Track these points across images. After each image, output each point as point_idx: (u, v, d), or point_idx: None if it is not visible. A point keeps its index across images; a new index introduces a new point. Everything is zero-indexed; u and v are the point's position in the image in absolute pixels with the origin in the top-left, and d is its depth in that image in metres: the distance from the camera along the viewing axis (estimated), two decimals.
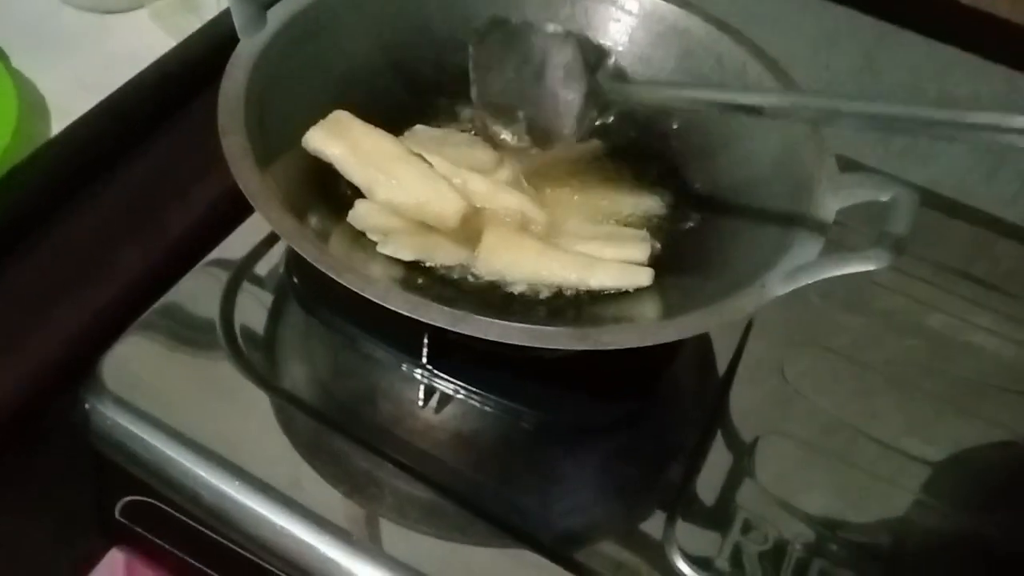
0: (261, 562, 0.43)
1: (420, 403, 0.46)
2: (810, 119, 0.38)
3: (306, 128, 0.45)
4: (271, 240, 0.51)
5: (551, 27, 0.42)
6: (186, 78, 0.54)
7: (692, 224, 0.48)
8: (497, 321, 0.37)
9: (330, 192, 0.46)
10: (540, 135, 0.42)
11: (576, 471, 0.46)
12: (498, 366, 0.46)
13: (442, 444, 0.45)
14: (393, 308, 0.36)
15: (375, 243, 0.43)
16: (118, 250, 0.49)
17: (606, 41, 0.52)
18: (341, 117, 0.45)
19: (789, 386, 0.50)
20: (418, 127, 0.49)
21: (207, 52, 0.54)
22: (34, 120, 0.55)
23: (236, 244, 0.50)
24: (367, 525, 0.42)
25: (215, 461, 0.42)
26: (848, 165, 0.63)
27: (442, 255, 0.43)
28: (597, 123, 0.43)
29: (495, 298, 0.44)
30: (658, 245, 0.47)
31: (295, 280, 0.49)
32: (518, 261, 0.44)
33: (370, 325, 0.47)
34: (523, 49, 0.42)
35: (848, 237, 0.44)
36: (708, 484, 0.45)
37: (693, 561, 0.42)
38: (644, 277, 0.45)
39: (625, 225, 0.48)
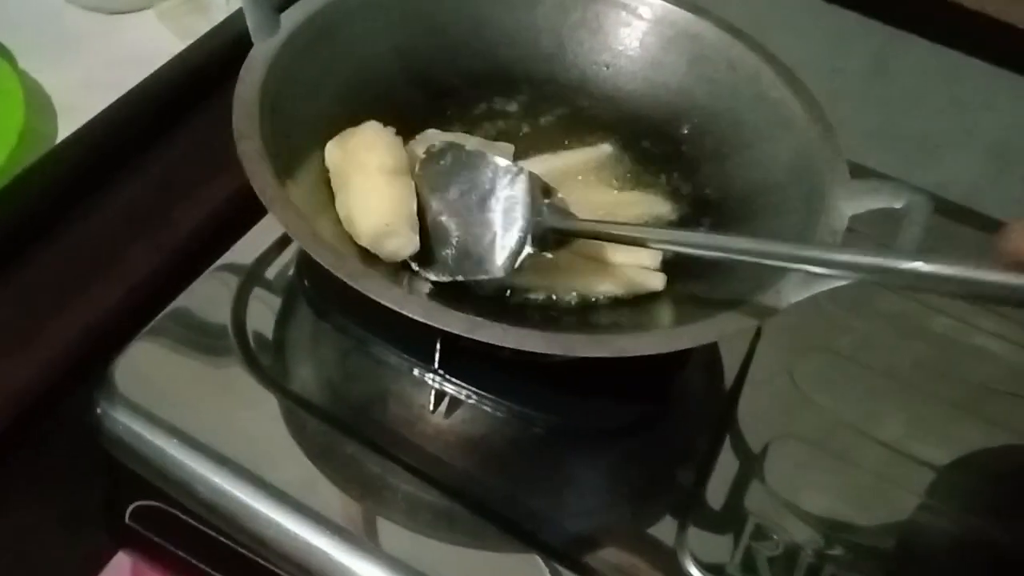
0: (271, 566, 0.43)
1: (431, 407, 0.46)
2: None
3: (319, 130, 0.45)
4: (283, 243, 0.50)
5: (504, 161, 0.41)
6: (196, 80, 0.54)
7: (704, 229, 0.48)
8: (514, 328, 0.37)
9: None
10: (468, 263, 0.41)
11: (587, 476, 0.46)
12: (508, 371, 0.46)
13: (452, 448, 0.45)
14: (410, 315, 0.36)
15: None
16: (129, 251, 0.49)
17: (617, 46, 0.53)
18: (365, 128, 0.45)
19: (798, 390, 0.50)
20: (429, 131, 0.49)
21: (218, 54, 0.54)
22: (41, 120, 0.55)
23: (248, 247, 0.50)
24: (377, 529, 0.42)
25: (227, 465, 0.42)
26: (856, 170, 0.63)
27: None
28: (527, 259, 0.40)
29: (504, 304, 0.44)
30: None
31: (306, 283, 0.49)
32: (533, 267, 0.44)
33: (381, 329, 0.47)
34: (472, 176, 0.42)
35: (859, 243, 0.44)
36: (719, 489, 0.45)
37: (705, 567, 0.42)
38: (657, 282, 0.45)
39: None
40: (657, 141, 0.52)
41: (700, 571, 0.42)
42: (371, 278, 0.37)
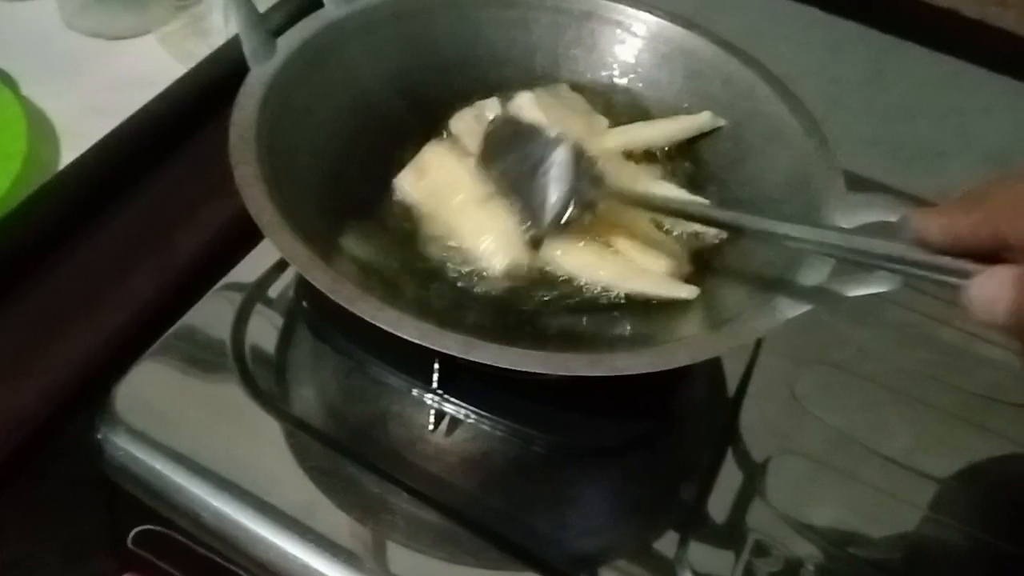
0: None
1: (431, 427, 0.46)
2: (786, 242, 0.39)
3: (315, 152, 0.46)
4: (282, 265, 0.51)
5: (553, 132, 0.46)
6: (197, 104, 0.54)
7: (715, 242, 0.48)
8: (510, 348, 0.37)
9: (342, 214, 0.46)
10: (526, 219, 0.46)
11: (588, 493, 0.46)
12: (509, 389, 0.46)
13: (453, 468, 0.45)
14: (405, 336, 0.37)
15: (389, 262, 0.45)
16: (131, 275, 0.49)
17: (613, 63, 0.53)
18: (427, 158, 0.48)
19: (799, 404, 0.50)
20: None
21: (217, 78, 0.55)
22: (44, 146, 0.55)
23: (247, 270, 0.50)
24: (379, 551, 0.42)
25: (229, 490, 0.42)
26: (855, 179, 0.63)
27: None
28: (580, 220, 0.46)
29: (510, 311, 0.44)
30: (688, 267, 0.47)
31: (305, 305, 0.49)
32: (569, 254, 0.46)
33: (380, 350, 0.47)
34: (526, 144, 0.46)
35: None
36: (720, 504, 0.45)
37: None
38: (689, 290, 0.45)
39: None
40: (654, 158, 0.52)
41: None
42: (366, 301, 0.37)
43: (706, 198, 0.49)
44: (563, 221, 0.45)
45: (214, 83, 0.54)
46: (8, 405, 0.43)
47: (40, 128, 0.56)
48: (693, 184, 0.50)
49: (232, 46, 0.47)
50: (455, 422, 0.46)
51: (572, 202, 0.45)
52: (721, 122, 0.51)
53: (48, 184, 0.50)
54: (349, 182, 0.47)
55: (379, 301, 0.37)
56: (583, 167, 0.45)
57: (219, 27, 0.60)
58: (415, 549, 0.42)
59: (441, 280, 0.45)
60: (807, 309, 0.39)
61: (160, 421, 0.44)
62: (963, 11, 0.61)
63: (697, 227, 0.48)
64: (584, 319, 0.45)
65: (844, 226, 0.42)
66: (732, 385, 0.50)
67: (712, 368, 0.51)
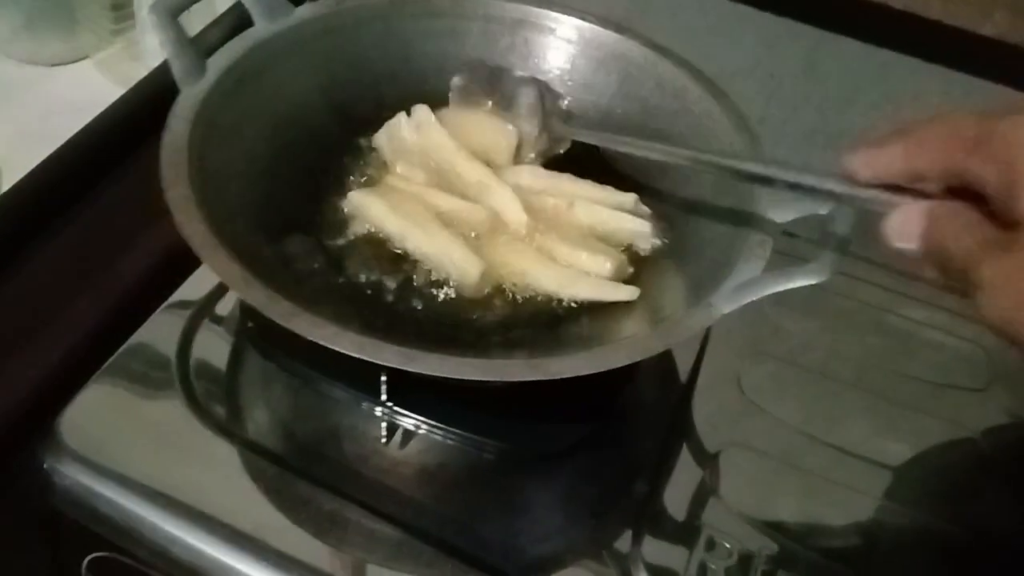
0: None
1: (382, 441, 0.46)
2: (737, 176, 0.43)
3: (249, 170, 0.46)
4: (225, 286, 0.50)
5: (519, 72, 0.52)
6: (132, 127, 0.54)
7: (646, 248, 0.49)
8: (449, 357, 0.37)
9: (278, 230, 0.46)
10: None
11: (542, 497, 0.46)
12: (458, 398, 0.46)
13: (408, 480, 0.45)
14: (343, 351, 0.37)
15: (328, 278, 0.45)
16: (73, 302, 0.49)
17: (548, 67, 0.53)
18: (383, 187, 0.49)
19: (747, 397, 0.50)
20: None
21: (153, 99, 0.54)
22: None
23: (191, 289, 0.50)
24: (337, 567, 0.42)
25: (180, 513, 0.42)
26: None
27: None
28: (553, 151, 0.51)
29: (463, 319, 0.45)
30: (630, 269, 0.48)
31: (250, 324, 0.49)
32: (510, 262, 0.47)
33: (327, 366, 0.47)
34: (496, 86, 0.51)
35: (799, 247, 0.45)
36: (672, 500, 0.46)
37: None
38: (630, 292, 0.46)
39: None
40: (593, 161, 0.52)
41: None
42: (303, 317, 0.37)
43: (644, 195, 0.50)
44: (540, 155, 0.50)
45: (149, 105, 0.53)
46: None
47: None
48: (625, 185, 0.50)
49: (166, 68, 0.47)
50: (408, 434, 0.46)
51: (545, 137, 0.50)
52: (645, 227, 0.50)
53: None
54: (286, 199, 0.47)
55: (316, 317, 0.37)
56: (549, 105, 0.50)
57: (155, 50, 0.59)
58: (372, 563, 0.42)
59: (381, 295, 0.46)
60: (741, 304, 0.40)
61: (108, 447, 0.44)
62: (891, 3, 0.62)
63: (633, 239, 0.48)
64: (532, 327, 0.45)
65: (778, 221, 0.43)
66: (681, 381, 0.51)
67: (662, 365, 0.52)
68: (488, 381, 0.39)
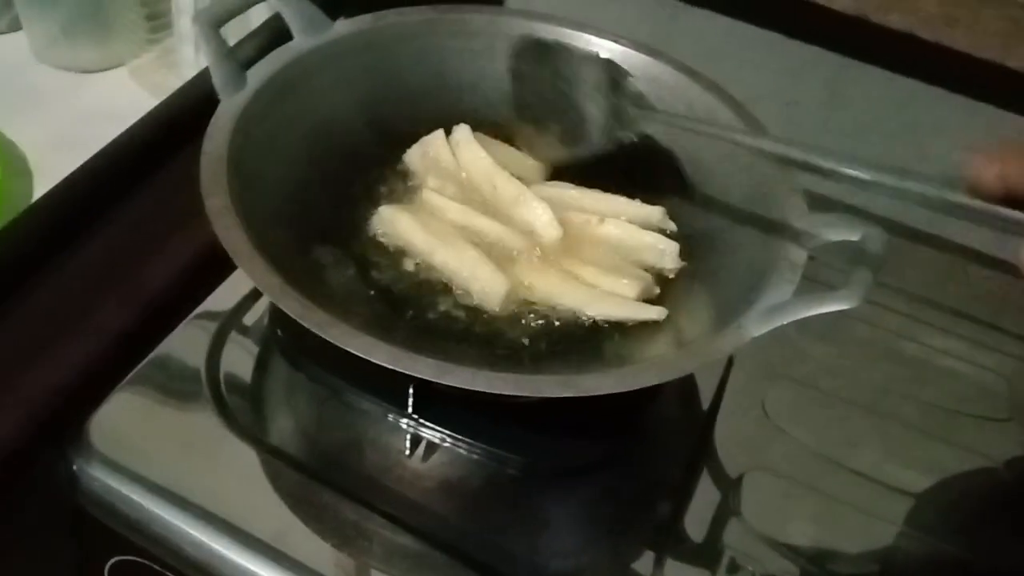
0: None
1: (407, 452, 0.46)
2: (794, 164, 0.42)
3: (285, 181, 0.46)
4: (255, 294, 0.51)
5: (583, 49, 0.47)
6: (166, 136, 0.55)
7: (672, 267, 0.49)
8: (481, 371, 0.38)
9: (313, 241, 0.47)
10: (567, 142, 0.47)
11: (565, 514, 0.46)
12: (484, 412, 0.47)
13: (430, 493, 0.45)
14: (378, 362, 0.37)
15: (365, 286, 0.46)
16: (104, 306, 0.49)
17: None
18: (414, 205, 0.49)
19: (770, 420, 0.51)
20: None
21: (187, 110, 0.55)
22: (16, 179, 0.55)
23: (222, 299, 0.51)
24: None
25: (205, 519, 0.42)
26: (816, 199, 0.65)
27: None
28: (620, 141, 0.47)
29: (493, 334, 0.45)
30: (656, 290, 0.48)
31: (279, 333, 0.50)
32: (536, 281, 0.47)
33: (354, 376, 0.48)
34: (555, 66, 0.48)
35: (822, 272, 0.45)
36: (695, 522, 0.46)
37: None
38: (657, 312, 0.46)
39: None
40: (624, 181, 0.53)
41: None
42: (339, 327, 0.38)
43: (672, 219, 0.50)
44: (606, 140, 0.46)
45: (183, 115, 0.54)
46: None
47: (12, 162, 0.56)
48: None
49: (202, 78, 0.48)
50: (431, 447, 0.47)
51: (613, 121, 0.45)
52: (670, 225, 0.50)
53: (20, 217, 0.50)
54: (319, 210, 0.48)
55: (351, 327, 0.38)
56: (620, 84, 0.45)
57: (190, 59, 0.61)
58: (392, 575, 0.42)
59: (410, 308, 0.46)
60: (771, 328, 0.40)
61: (135, 451, 0.44)
62: (917, 33, 0.62)
63: (659, 259, 0.49)
64: (562, 344, 0.46)
65: (808, 246, 0.43)
66: (705, 402, 0.51)
67: (685, 385, 0.52)
68: (518, 396, 0.39)
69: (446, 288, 0.47)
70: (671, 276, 0.49)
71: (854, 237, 0.42)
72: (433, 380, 0.37)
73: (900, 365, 0.55)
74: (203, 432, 0.45)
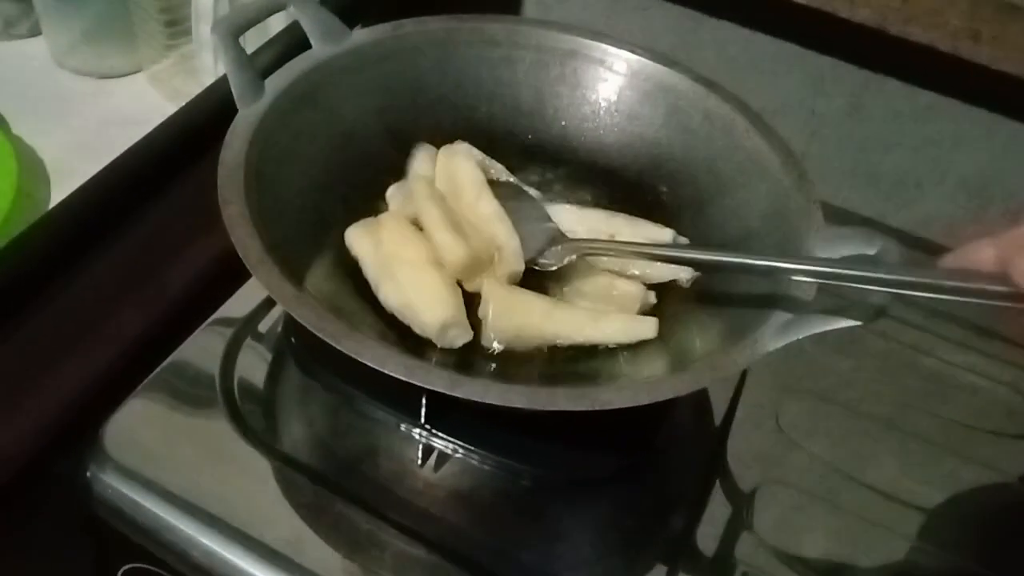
0: None
1: (419, 463, 0.46)
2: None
3: (302, 190, 0.46)
4: (270, 302, 0.51)
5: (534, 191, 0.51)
6: (187, 142, 0.55)
7: (687, 277, 0.49)
8: (495, 384, 0.38)
9: (330, 250, 0.47)
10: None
11: (577, 526, 0.46)
12: (496, 423, 0.47)
13: (442, 503, 0.45)
14: (392, 374, 0.37)
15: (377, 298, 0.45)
16: (121, 312, 0.49)
17: (596, 100, 0.54)
18: (380, 219, 0.48)
19: (784, 434, 0.50)
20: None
21: (207, 116, 0.55)
22: (34, 184, 0.56)
23: (236, 306, 0.51)
24: None
25: (218, 527, 0.43)
26: (835, 211, 0.64)
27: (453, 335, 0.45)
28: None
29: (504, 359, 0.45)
30: (653, 299, 0.48)
31: (293, 341, 0.50)
32: (527, 323, 0.46)
33: (368, 386, 0.48)
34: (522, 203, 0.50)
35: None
36: (708, 535, 0.46)
37: None
38: (649, 329, 0.46)
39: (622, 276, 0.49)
40: (638, 191, 0.53)
41: None
42: (353, 338, 0.38)
43: (684, 233, 0.50)
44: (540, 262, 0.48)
45: (202, 122, 0.55)
46: None
47: (30, 166, 0.57)
48: (672, 219, 0.51)
49: (220, 85, 0.48)
50: (443, 457, 0.46)
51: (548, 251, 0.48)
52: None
53: (38, 222, 0.50)
54: (336, 219, 0.48)
55: (364, 338, 0.38)
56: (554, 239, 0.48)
57: (208, 66, 0.61)
58: None
59: None
60: (787, 342, 0.40)
61: (149, 459, 0.45)
62: (938, 46, 0.62)
63: (673, 273, 0.49)
64: (574, 358, 0.46)
65: (823, 258, 0.43)
66: (719, 415, 0.51)
67: (699, 398, 0.52)
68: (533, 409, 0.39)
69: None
70: (686, 287, 0.48)
71: (871, 251, 0.41)
72: (446, 393, 0.37)
73: (917, 379, 0.55)
74: (216, 439, 0.46)
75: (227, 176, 0.42)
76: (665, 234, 0.49)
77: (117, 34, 0.63)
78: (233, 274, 0.51)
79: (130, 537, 0.44)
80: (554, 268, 0.47)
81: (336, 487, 0.45)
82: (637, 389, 0.38)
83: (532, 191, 0.52)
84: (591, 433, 0.47)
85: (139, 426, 0.46)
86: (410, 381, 0.37)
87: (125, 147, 0.53)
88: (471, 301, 0.47)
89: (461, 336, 0.45)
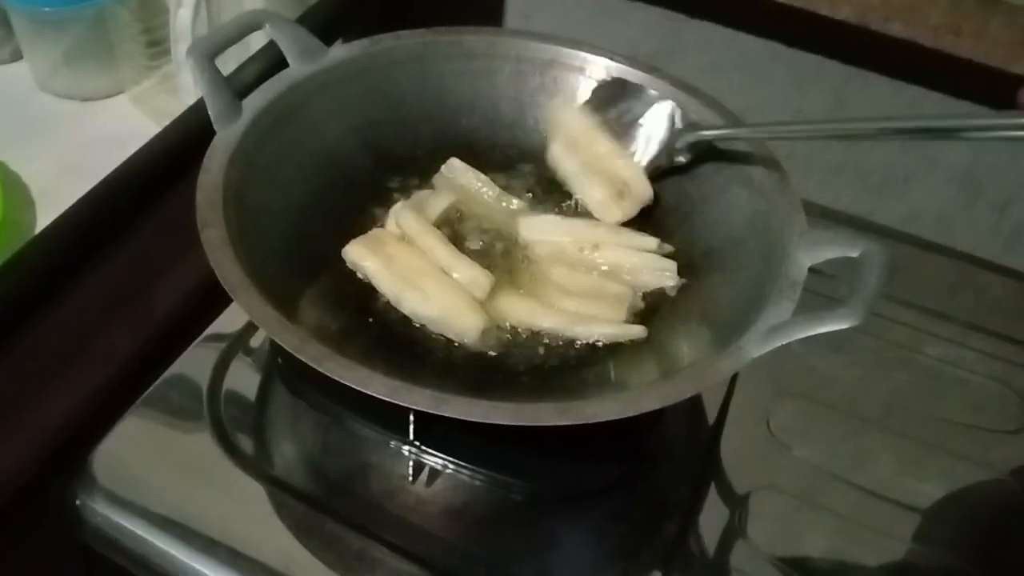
0: None
1: (409, 479, 0.46)
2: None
3: (283, 210, 0.46)
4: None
5: (653, 92, 0.52)
6: (169, 162, 0.55)
7: (673, 284, 0.49)
8: (480, 401, 0.38)
9: (311, 271, 0.47)
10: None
11: (570, 538, 0.46)
12: (485, 438, 0.47)
13: (434, 520, 0.45)
14: (375, 395, 0.37)
15: (364, 315, 0.46)
16: (108, 335, 0.49)
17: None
18: (380, 234, 0.48)
19: (775, 439, 0.50)
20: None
21: (190, 136, 0.55)
22: (19, 209, 0.56)
23: (223, 327, 0.51)
24: None
25: (210, 551, 0.42)
26: (823, 211, 0.64)
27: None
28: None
29: (484, 366, 0.45)
30: (641, 303, 0.48)
31: (280, 362, 0.50)
32: (524, 312, 0.47)
33: (355, 404, 0.47)
34: (629, 101, 0.52)
35: (826, 285, 0.45)
36: (701, 543, 0.45)
37: None
38: (638, 331, 0.46)
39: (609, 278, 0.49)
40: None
41: None
42: (335, 360, 0.38)
43: (670, 242, 0.50)
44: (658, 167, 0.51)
45: (186, 141, 0.54)
46: None
47: (15, 191, 0.57)
48: (657, 227, 0.51)
49: (202, 105, 0.48)
50: (434, 473, 0.46)
51: (664, 155, 0.51)
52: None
53: (25, 248, 0.50)
54: (317, 238, 0.48)
55: (347, 360, 0.38)
56: (676, 126, 0.51)
57: (190, 85, 0.61)
58: None
59: (408, 336, 0.46)
60: (771, 348, 0.39)
61: (139, 484, 0.44)
62: (920, 41, 0.62)
63: (659, 279, 0.49)
64: (560, 369, 0.46)
65: (808, 263, 0.43)
66: (710, 422, 0.51)
67: (690, 406, 0.52)
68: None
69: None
70: (672, 295, 0.48)
71: (854, 254, 0.41)
72: (430, 412, 0.37)
73: (908, 378, 0.55)
74: (206, 463, 0.45)
75: (205, 199, 0.42)
76: (650, 242, 0.49)
77: (98, 56, 0.63)
78: (222, 295, 0.51)
79: (122, 564, 0.44)
80: (685, 161, 0.50)
81: (327, 506, 0.45)
82: (622, 401, 0.38)
83: (516, 201, 0.53)
84: (581, 444, 0.47)
85: (127, 451, 0.46)
86: (394, 401, 0.37)
87: (110, 169, 0.53)
88: None
89: (492, 336, 0.46)
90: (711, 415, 0.51)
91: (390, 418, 0.47)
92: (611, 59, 0.53)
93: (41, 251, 0.51)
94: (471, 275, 0.47)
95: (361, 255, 0.47)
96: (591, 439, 0.47)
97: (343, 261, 0.48)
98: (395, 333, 0.46)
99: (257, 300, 0.39)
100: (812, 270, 0.43)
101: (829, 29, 0.62)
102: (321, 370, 0.37)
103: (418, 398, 0.37)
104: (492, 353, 0.46)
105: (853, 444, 0.51)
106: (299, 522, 0.44)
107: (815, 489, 0.48)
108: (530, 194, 0.53)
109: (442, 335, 0.46)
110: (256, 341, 0.51)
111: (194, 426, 0.47)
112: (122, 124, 0.63)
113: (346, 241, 0.48)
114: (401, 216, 0.48)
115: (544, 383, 0.45)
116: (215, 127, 0.45)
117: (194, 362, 0.49)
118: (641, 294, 0.48)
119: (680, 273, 0.49)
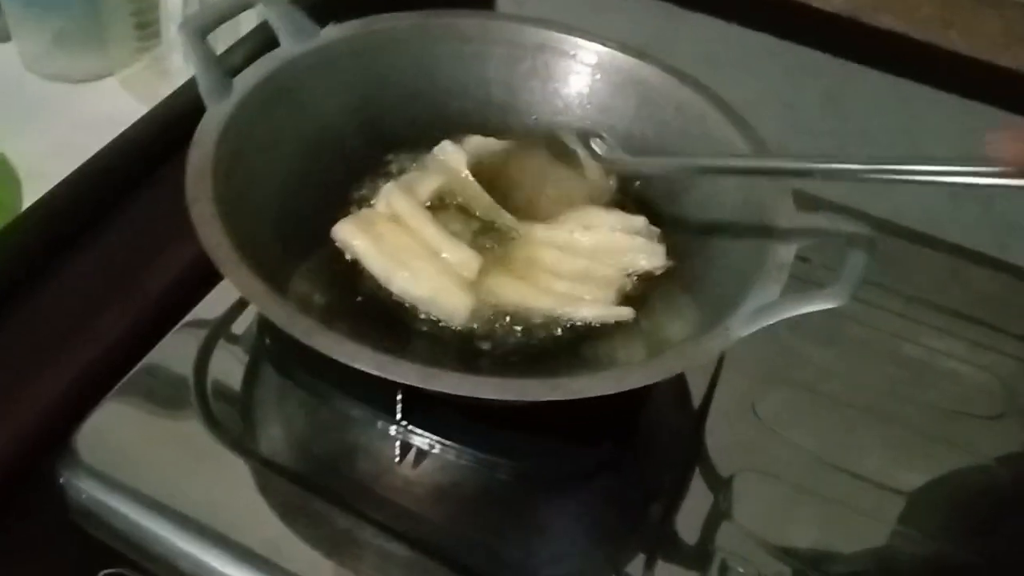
0: None
1: (397, 460, 0.46)
2: (787, 175, 0.45)
3: (275, 188, 0.46)
4: (244, 302, 0.51)
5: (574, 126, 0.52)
6: (158, 143, 0.54)
7: (659, 264, 0.49)
8: (469, 376, 0.38)
9: (301, 248, 0.47)
10: None
11: (557, 519, 0.46)
12: (474, 418, 0.47)
13: (421, 500, 0.45)
14: (364, 368, 0.37)
15: (353, 293, 0.46)
16: (96, 315, 0.49)
17: (568, 92, 0.54)
18: (370, 214, 0.49)
19: (761, 422, 0.50)
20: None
21: (178, 117, 0.55)
22: (7, 190, 0.55)
23: (210, 307, 0.50)
24: None
25: (194, 530, 0.42)
26: (812, 200, 0.64)
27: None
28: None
29: (471, 346, 0.45)
30: (630, 285, 0.48)
31: (267, 341, 0.49)
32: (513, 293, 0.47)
33: (343, 384, 0.47)
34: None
35: (813, 272, 0.45)
36: (686, 524, 0.46)
37: None
38: (627, 313, 0.46)
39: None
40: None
41: None
42: (324, 334, 0.37)
43: (659, 225, 0.50)
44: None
45: (175, 122, 0.54)
46: None
47: (3, 173, 0.56)
48: (647, 211, 0.51)
49: (192, 85, 0.48)
50: (421, 453, 0.46)
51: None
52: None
53: (10, 226, 0.50)
54: (307, 217, 0.48)
55: (336, 334, 0.38)
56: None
57: (180, 67, 0.61)
58: None
59: (397, 314, 0.46)
60: (758, 328, 0.40)
61: (124, 463, 0.44)
62: (912, 35, 0.62)
63: (646, 260, 0.49)
64: (548, 348, 0.46)
65: (796, 245, 0.43)
66: (696, 405, 0.51)
67: (676, 387, 0.52)
68: (507, 401, 0.39)
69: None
70: (658, 274, 0.49)
71: (840, 237, 0.42)
72: (419, 386, 0.37)
73: (894, 365, 0.55)
74: (191, 442, 0.45)
75: (195, 174, 0.42)
76: (637, 221, 0.49)
77: (88, 38, 0.63)
78: (211, 276, 0.50)
79: (106, 542, 0.44)
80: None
81: (314, 487, 0.44)
82: (609, 378, 0.38)
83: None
84: (570, 425, 0.47)
85: (113, 430, 0.45)
86: (383, 375, 0.37)
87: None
88: None
89: (481, 317, 0.46)
90: (697, 400, 0.51)
91: (378, 398, 0.47)
92: (603, 44, 0.53)
93: (27, 230, 0.50)
94: (460, 256, 0.47)
95: (351, 234, 0.47)
96: (578, 419, 0.47)
97: (333, 240, 0.48)
98: (384, 312, 0.46)
99: (246, 275, 0.39)
100: (799, 257, 0.43)
101: (822, 22, 0.62)
102: (310, 344, 0.37)
103: (407, 373, 0.37)
104: (481, 334, 0.46)
105: (839, 429, 0.51)
106: (285, 502, 0.44)
107: (801, 473, 0.48)
108: None
109: (431, 315, 0.46)
110: (242, 323, 0.51)
111: (179, 407, 0.46)
112: (112, 106, 0.62)
113: (336, 220, 0.48)
114: (392, 196, 0.48)
115: (533, 364, 0.45)
116: (206, 103, 0.45)
117: (181, 342, 0.49)
118: (631, 276, 0.48)
119: (669, 255, 0.49)
